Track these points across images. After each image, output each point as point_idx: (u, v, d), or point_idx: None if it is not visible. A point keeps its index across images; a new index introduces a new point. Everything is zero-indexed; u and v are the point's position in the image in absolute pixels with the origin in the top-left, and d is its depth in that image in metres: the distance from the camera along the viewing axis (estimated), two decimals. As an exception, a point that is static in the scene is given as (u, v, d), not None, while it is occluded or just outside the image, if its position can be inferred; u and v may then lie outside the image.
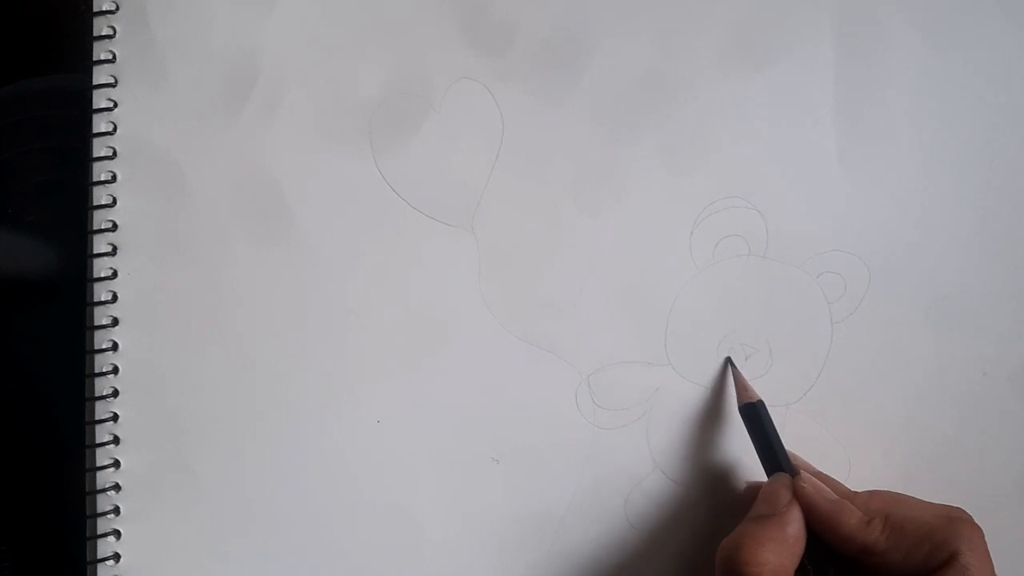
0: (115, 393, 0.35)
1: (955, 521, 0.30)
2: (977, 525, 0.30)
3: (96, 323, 0.35)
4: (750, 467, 0.36)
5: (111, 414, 0.35)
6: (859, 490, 0.33)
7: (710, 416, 0.36)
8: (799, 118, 0.37)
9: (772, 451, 0.33)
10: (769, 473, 0.33)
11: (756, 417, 0.34)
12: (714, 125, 0.37)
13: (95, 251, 0.35)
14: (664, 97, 0.37)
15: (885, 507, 0.31)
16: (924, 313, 0.37)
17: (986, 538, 0.30)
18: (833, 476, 0.34)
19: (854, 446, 0.36)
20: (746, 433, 0.35)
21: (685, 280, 0.37)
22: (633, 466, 0.36)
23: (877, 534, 0.30)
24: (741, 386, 0.35)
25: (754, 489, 0.35)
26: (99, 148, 0.36)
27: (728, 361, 0.36)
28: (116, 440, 0.35)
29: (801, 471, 0.33)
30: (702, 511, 0.36)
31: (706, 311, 0.37)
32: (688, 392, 0.36)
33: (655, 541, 0.36)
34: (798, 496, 0.32)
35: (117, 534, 0.35)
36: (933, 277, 0.37)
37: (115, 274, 0.35)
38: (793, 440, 0.35)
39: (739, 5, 0.37)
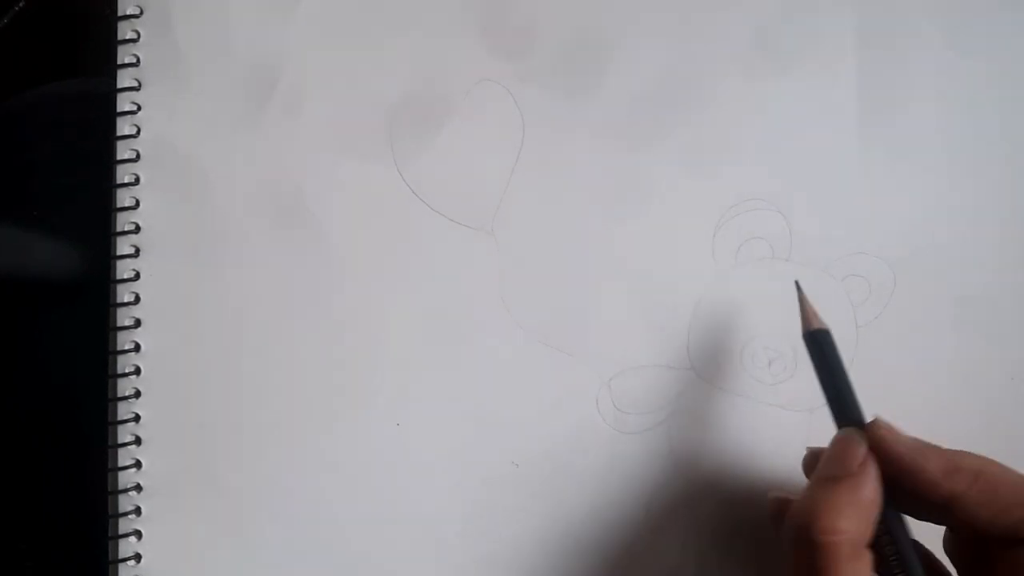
0: (137, 394, 0.35)
1: None
2: None
3: (119, 324, 0.35)
4: (773, 473, 0.36)
5: (133, 415, 0.35)
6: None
7: (733, 420, 0.36)
8: (822, 120, 0.37)
9: (842, 392, 0.30)
10: (838, 419, 0.30)
11: (823, 348, 0.31)
12: (736, 127, 0.37)
13: (118, 253, 0.36)
14: (686, 99, 0.37)
15: (975, 463, 0.28)
16: (950, 316, 0.36)
17: None
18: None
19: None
20: (771, 437, 0.34)
21: (707, 283, 0.36)
22: (655, 471, 0.36)
23: (965, 486, 0.27)
24: (809, 312, 0.32)
25: (812, 456, 0.32)
26: (123, 151, 0.36)
27: (797, 285, 0.33)
28: (138, 441, 0.35)
29: (877, 417, 0.29)
30: (724, 517, 0.36)
31: (729, 315, 0.36)
32: (710, 396, 0.36)
33: (677, 546, 0.36)
34: (875, 443, 0.28)
35: (138, 534, 0.35)
36: (959, 280, 0.36)
37: (138, 276, 0.36)
38: (820, 444, 0.35)
39: (762, 7, 0.37)
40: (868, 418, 0.30)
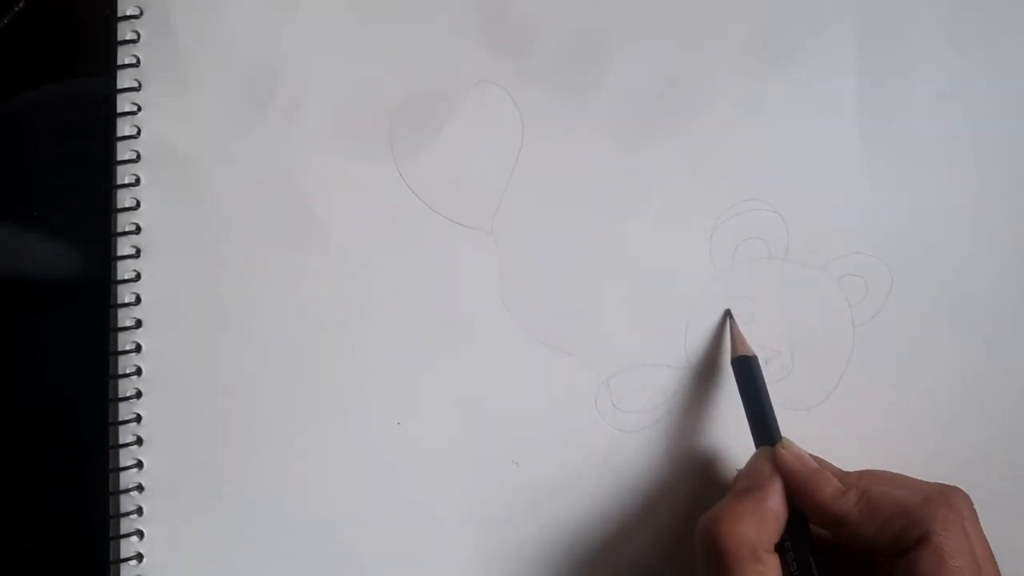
0: (138, 394, 0.35)
1: (931, 501, 0.29)
2: (963, 503, 0.29)
3: (119, 325, 0.35)
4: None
5: (134, 415, 0.35)
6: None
7: (731, 419, 0.36)
8: (820, 120, 0.37)
9: (761, 414, 0.33)
10: (756, 438, 0.33)
11: (748, 373, 0.33)
12: (735, 127, 0.37)
13: (119, 253, 0.36)
14: (685, 99, 0.37)
15: (868, 482, 0.30)
16: (947, 316, 0.36)
17: (995, 533, 0.29)
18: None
19: (875, 451, 0.36)
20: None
21: (705, 283, 0.36)
22: (653, 469, 0.36)
23: (851, 505, 0.30)
24: (737, 339, 0.35)
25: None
26: (123, 151, 0.36)
27: (727, 313, 0.36)
28: (139, 441, 0.35)
29: (785, 438, 0.32)
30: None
31: (726, 314, 0.36)
32: (709, 394, 0.36)
33: (676, 544, 0.36)
34: (777, 462, 0.31)
35: (140, 534, 0.35)
36: (956, 280, 0.36)
37: (138, 276, 0.36)
38: (814, 444, 0.35)
39: (760, 7, 0.37)
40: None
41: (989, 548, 0.29)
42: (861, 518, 0.29)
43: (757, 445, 0.33)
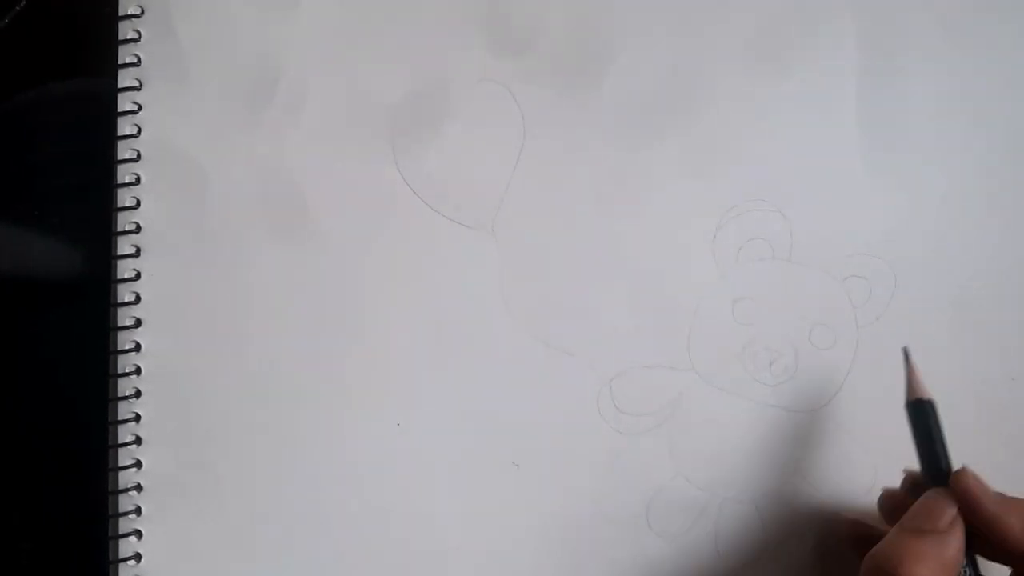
0: (137, 394, 0.35)
1: None
2: None
3: (119, 324, 0.35)
4: (772, 473, 0.36)
5: (133, 415, 0.35)
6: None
7: (733, 421, 0.36)
8: (823, 120, 0.37)
9: (936, 456, 0.32)
10: (928, 478, 0.32)
11: (924, 417, 0.32)
12: (737, 127, 0.37)
13: (119, 253, 0.36)
14: (687, 99, 0.37)
15: None
16: (951, 317, 0.36)
17: None
18: (859, 483, 0.33)
19: (880, 452, 0.35)
20: (772, 438, 0.34)
21: (708, 284, 0.36)
22: (655, 471, 0.36)
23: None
24: (913, 380, 0.33)
25: (890, 497, 0.34)
26: (123, 151, 0.36)
27: (905, 352, 0.34)
28: (138, 440, 0.35)
29: (965, 467, 0.31)
30: (725, 517, 0.36)
31: (729, 315, 0.36)
32: (711, 397, 0.36)
33: (677, 547, 0.36)
34: (960, 491, 0.30)
35: (139, 534, 0.35)
36: (960, 281, 0.36)
37: (138, 276, 0.36)
38: (819, 446, 0.35)
39: (762, 7, 0.37)
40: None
41: None
42: None
43: (930, 485, 0.32)
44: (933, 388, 0.36)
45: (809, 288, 0.36)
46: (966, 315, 0.36)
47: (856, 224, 0.36)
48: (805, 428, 0.36)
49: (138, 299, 0.36)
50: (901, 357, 0.34)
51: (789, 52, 0.37)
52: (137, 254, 0.36)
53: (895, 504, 0.33)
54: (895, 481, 0.34)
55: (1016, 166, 0.36)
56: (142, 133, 0.36)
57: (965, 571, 0.30)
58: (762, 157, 0.37)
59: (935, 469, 0.32)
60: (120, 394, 0.35)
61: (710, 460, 0.36)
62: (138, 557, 0.35)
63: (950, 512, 0.30)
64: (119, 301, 0.35)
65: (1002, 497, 0.30)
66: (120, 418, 0.35)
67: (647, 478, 0.36)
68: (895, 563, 0.28)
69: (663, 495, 0.36)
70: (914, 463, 0.33)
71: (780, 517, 0.36)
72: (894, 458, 0.35)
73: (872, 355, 0.36)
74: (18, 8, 0.37)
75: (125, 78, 0.36)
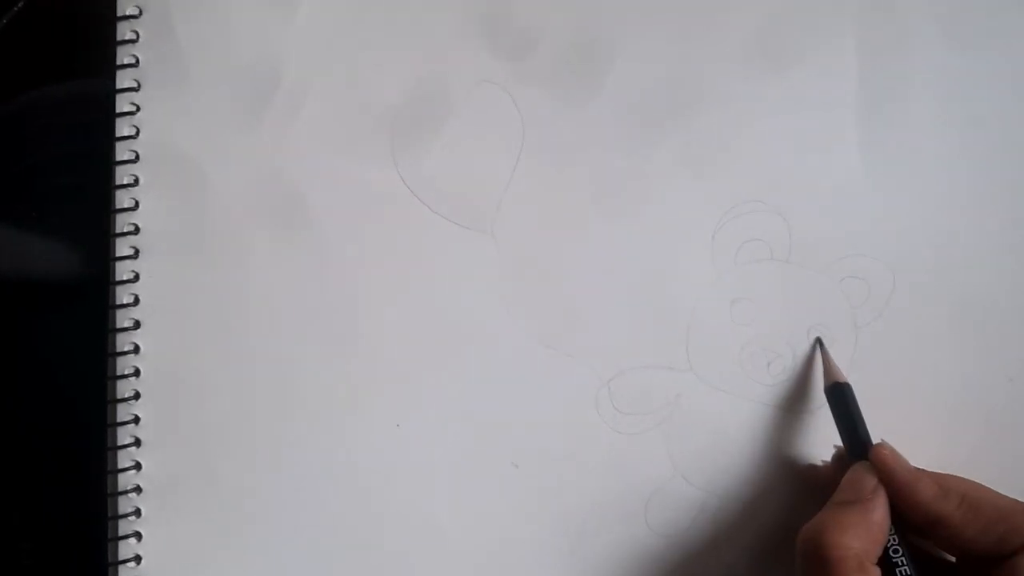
0: (136, 395, 0.35)
1: None
2: None
3: (118, 326, 0.35)
4: (773, 474, 0.36)
5: (132, 416, 0.35)
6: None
7: (732, 421, 0.36)
8: (822, 121, 0.37)
9: (856, 434, 0.33)
10: (851, 454, 0.33)
11: (843, 399, 0.34)
12: (736, 128, 0.37)
13: (117, 254, 0.35)
14: (686, 101, 0.37)
15: (962, 486, 0.31)
16: (949, 318, 0.36)
17: None
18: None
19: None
20: (770, 438, 0.34)
21: (707, 285, 0.36)
22: (654, 471, 0.36)
23: (952, 507, 0.30)
24: (829, 366, 0.35)
25: (826, 470, 0.35)
26: (122, 152, 0.36)
27: (818, 341, 0.36)
28: (137, 442, 0.35)
29: (882, 440, 0.33)
30: (723, 517, 0.36)
31: (728, 316, 0.36)
32: (709, 397, 0.36)
33: (675, 547, 0.36)
34: (878, 462, 0.32)
35: (138, 536, 0.35)
36: (958, 281, 0.36)
37: (137, 277, 0.36)
38: (817, 446, 0.35)
39: (761, 8, 0.37)
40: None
41: None
42: (963, 520, 0.30)
43: (852, 460, 0.33)
44: (931, 388, 0.36)
45: (807, 289, 0.36)
46: (964, 316, 0.36)
47: (854, 225, 0.36)
48: (803, 428, 0.36)
49: (137, 301, 0.35)
50: (815, 346, 0.36)
51: (788, 54, 0.37)
52: (136, 255, 0.36)
53: (823, 479, 0.35)
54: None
55: (1015, 167, 0.37)
56: (140, 134, 0.36)
57: (892, 538, 0.31)
58: (761, 158, 0.37)
59: (857, 445, 0.33)
60: (119, 396, 0.35)
61: (708, 460, 0.36)
62: (138, 559, 0.35)
63: (871, 482, 0.31)
64: (118, 303, 0.35)
65: (917, 468, 0.32)
66: (119, 420, 0.35)
67: (646, 478, 0.36)
68: (821, 535, 0.30)
69: (662, 495, 0.36)
70: (915, 458, 0.33)
71: (778, 517, 0.36)
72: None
73: (870, 355, 0.36)
74: (16, 9, 0.37)
75: (123, 79, 0.36)
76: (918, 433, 0.36)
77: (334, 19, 0.36)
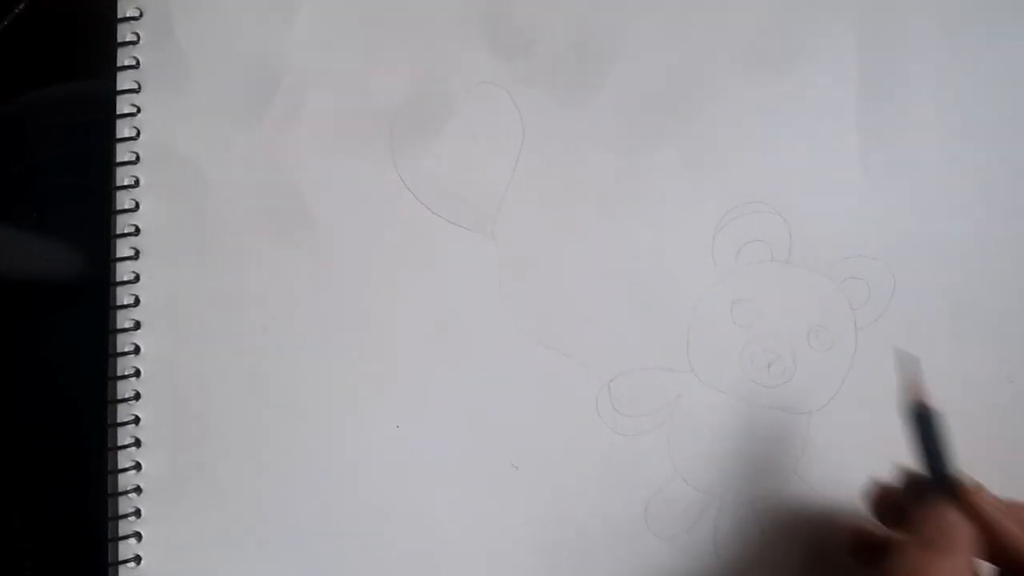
0: (137, 396, 0.35)
1: None
2: None
3: (118, 326, 0.35)
4: (771, 475, 0.36)
5: (133, 417, 0.35)
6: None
7: (732, 423, 0.36)
8: (822, 122, 0.37)
9: (941, 461, 0.31)
10: (933, 484, 0.31)
11: (927, 420, 0.32)
12: (736, 130, 0.37)
13: (118, 255, 0.36)
14: (686, 101, 0.37)
15: None
16: (949, 319, 0.36)
17: None
18: (856, 486, 0.33)
19: (878, 454, 0.35)
20: (770, 439, 0.34)
21: (707, 286, 0.36)
22: (654, 473, 0.36)
23: None
24: (918, 384, 0.33)
25: (883, 494, 0.33)
26: (122, 153, 0.36)
27: (907, 356, 0.33)
28: (138, 443, 0.35)
29: (975, 481, 0.31)
30: (723, 518, 0.36)
31: (728, 317, 0.36)
32: (710, 399, 0.36)
33: (675, 548, 0.36)
34: (973, 506, 0.30)
35: (138, 536, 0.35)
36: (958, 282, 0.36)
37: (137, 278, 0.36)
38: (817, 448, 0.35)
39: (761, 10, 0.37)
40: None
41: None
42: None
43: (933, 490, 0.31)
44: (930, 388, 0.36)
45: (808, 290, 0.36)
46: (964, 317, 0.36)
47: (855, 226, 0.36)
48: (803, 430, 0.36)
49: (137, 301, 0.36)
50: (898, 360, 0.33)
51: (789, 55, 0.37)
52: (136, 256, 0.36)
53: (889, 502, 0.33)
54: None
55: (1014, 169, 0.36)
56: (141, 136, 0.36)
57: None
58: (761, 159, 0.37)
59: (940, 475, 0.31)
60: (119, 396, 0.35)
61: (708, 461, 0.36)
62: (138, 559, 0.35)
63: (967, 532, 0.30)
64: (118, 303, 0.35)
65: (1002, 505, 0.30)
66: (119, 420, 0.35)
67: (646, 479, 0.36)
68: None
69: (661, 496, 0.36)
70: (912, 465, 0.33)
71: (778, 519, 0.36)
72: (891, 460, 0.35)
73: (871, 357, 0.36)
74: (17, 10, 0.37)
75: (124, 80, 0.36)
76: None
77: (334, 20, 0.36)
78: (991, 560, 0.30)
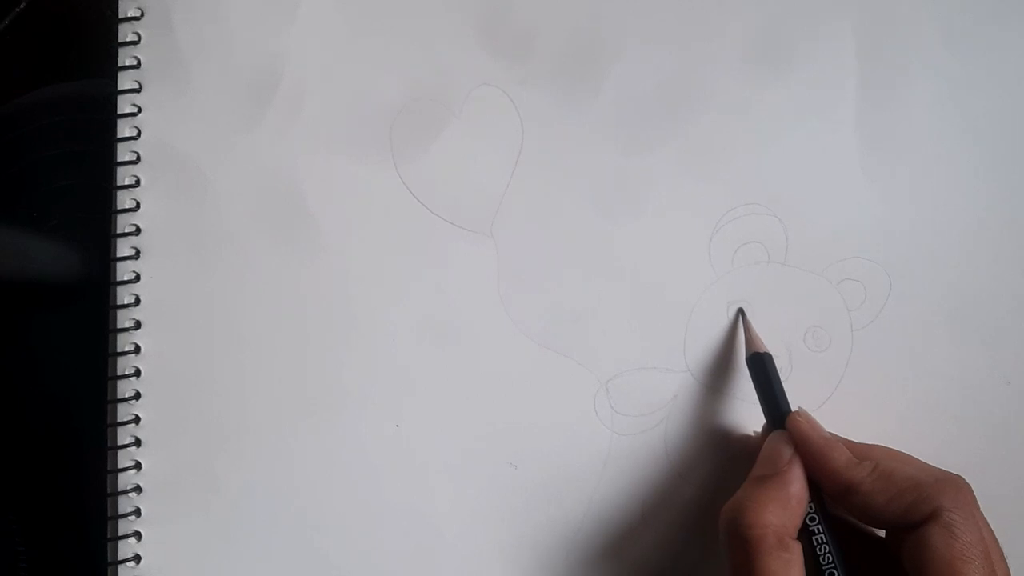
0: (137, 396, 0.35)
1: (943, 480, 0.29)
2: (968, 488, 0.29)
3: (119, 326, 0.35)
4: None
5: (133, 416, 0.35)
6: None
7: (729, 423, 0.36)
8: (820, 124, 0.37)
9: (776, 402, 0.33)
10: (770, 424, 0.33)
11: (762, 368, 0.34)
12: (734, 131, 0.37)
13: (118, 254, 0.36)
14: (684, 103, 0.37)
15: (880, 456, 0.31)
16: (946, 321, 0.36)
17: (1003, 534, 0.29)
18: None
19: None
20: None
21: (704, 287, 0.36)
22: (652, 472, 0.36)
23: (864, 474, 0.30)
24: (751, 336, 0.35)
25: (754, 443, 0.35)
26: (123, 152, 0.36)
27: (740, 312, 0.36)
28: (138, 442, 0.35)
29: (799, 407, 0.32)
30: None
31: (725, 318, 0.36)
32: (707, 399, 0.36)
33: (673, 547, 0.36)
34: (791, 429, 0.31)
35: (138, 536, 0.35)
36: (955, 284, 0.36)
37: (138, 277, 0.36)
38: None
39: (760, 11, 0.37)
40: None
41: (993, 532, 0.29)
42: (874, 487, 0.29)
43: (771, 429, 0.33)
44: (928, 391, 0.36)
45: (804, 291, 0.36)
46: (961, 318, 0.36)
47: (852, 227, 0.36)
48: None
49: (137, 301, 0.36)
50: (737, 316, 0.36)
51: (787, 56, 0.37)
52: (137, 256, 0.36)
53: (752, 452, 0.34)
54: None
55: (1012, 170, 0.37)
56: (142, 135, 0.36)
57: (810, 507, 0.31)
58: (759, 161, 0.37)
59: (776, 415, 0.33)
60: (119, 396, 0.35)
61: (706, 461, 0.36)
62: (137, 559, 0.35)
63: (787, 453, 0.31)
64: (118, 303, 0.35)
65: (831, 436, 0.31)
66: (119, 420, 0.35)
67: (643, 479, 0.36)
68: (739, 513, 0.30)
69: (659, 496, 0.36)
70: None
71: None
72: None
73: (867, 358, 0.36)
74: (18, 10, 0.37)
75: (125, 80, 0.36)
76: (915, 436, 0.36)
77: (334, 20, 0.36)
78: (820, 484, 0.31)
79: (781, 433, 0.32)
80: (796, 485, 0.30)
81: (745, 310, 0.36)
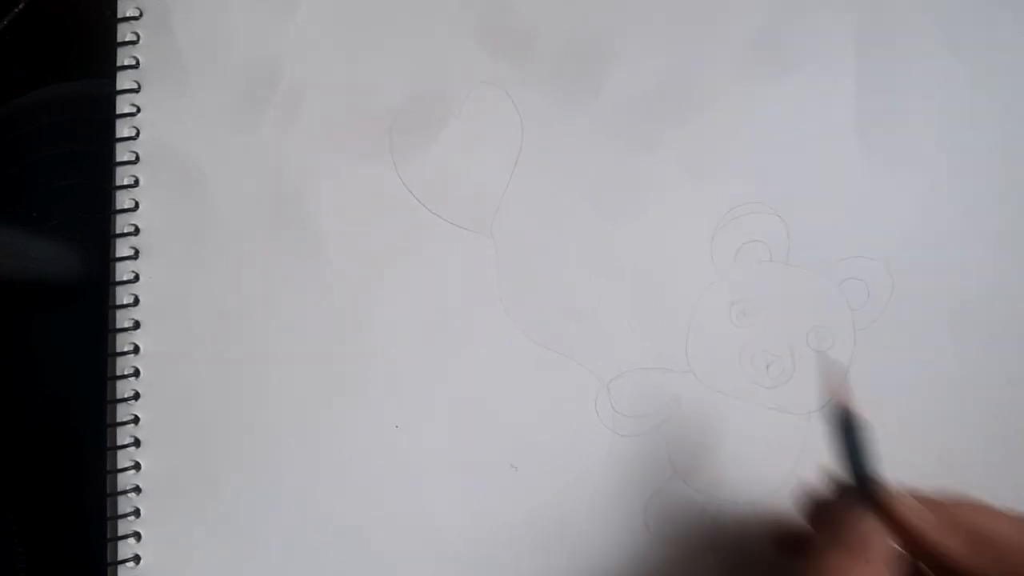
0: (136, 396, 0.35)
1: None
2: None
3: (118, 326, 0.36)
4: (770, 475, 0.36)
5: (132, 416, 0.35)
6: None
7: (731, 424, 0.36)
8: (821, 123, 0.37)
9: (863, 471, 0.30)
10: (856, 494, 0.30)
11: (851, 425, 0.31)
12: (735, 130, 0.37)
13: (117, 255, 0.36)
14: (685, 103, 0.37)
15: (969, 517, 0.29)
16: (948, 320, 0.36)
17: None
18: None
19: (876, 455, 0.35)
20: (769, 440, 0.34)
21: (706, 286, 0.36)
22: (652, 473, 0.36)
23: (958, 543, 0.28)
24: (843, 388, 0.31)
25: (817, 495, 0.32)
26: (122, 152, 0.36)
27: (833, 362, 0.34)
28: (137, 443, 0.35)
29: (898, 489, 0.30)
30: (722, 519, 0.36)
31: (727, 318, 0.36)
32: (708, 399, 0.36)
33: (674, 548, 0.36)
34: (897, 518, 0.29)
35: (137, 536, 0.35)
36: (957, 283, 0.36)
37: (137, 277, 0.36)
38: (816, 449, 0.35)
39: (761, 11, 0.37)
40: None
41: None
42: (976, 563, 0.28)
43: (854, 495, 0.30)
44: (930, 390, 0.36)
45: (806, 291, 0.36)
46: (963, 317, 0.36)
47: (854, 227, 0.36)
48: (802, 431, 0.36)
49: (136, 301, 0.36)
50: (822, 365, 0.34)
51: (788, 55, 0.37)
52: (136, 256, 0.36)
53: (818, 507, 0.32)
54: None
55: (1014, 169, 0.36)
56: (141, 135, 0.36)
57: None
58: (760, 160, 0.37)
59: (862, 481, 0.30)
60: (119, 396, 0.35)
61: (707, 462, 0.36)
62: (137, 559, 0.35)
63: (882, 540, 0.29)
64: (118, 303, 0.36)
65: (930, 513, 0.29)
66: (119, 420, 0.35)
67: (644, 480, 0.36)
68: None
69: (660, 497, 0.36)
70: (913, 461, 0.32)
71: (778, 519, 0.36)
72: (889, 460, 0.35)
73: (869, 358, 0.36)
74: (17, 10, 0.37)
75: (123, 80, 0.36)
76: (917, 435, 0.36)
77: (334, 20, 0.36)
78: (922, 561, 0.30)
79: (875, 512, 0.29)
80: (888, 570, 0.28)
81: (747, 310, 0.36)
